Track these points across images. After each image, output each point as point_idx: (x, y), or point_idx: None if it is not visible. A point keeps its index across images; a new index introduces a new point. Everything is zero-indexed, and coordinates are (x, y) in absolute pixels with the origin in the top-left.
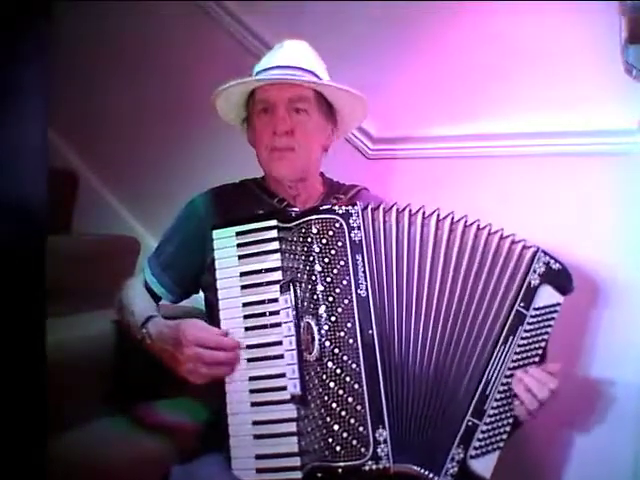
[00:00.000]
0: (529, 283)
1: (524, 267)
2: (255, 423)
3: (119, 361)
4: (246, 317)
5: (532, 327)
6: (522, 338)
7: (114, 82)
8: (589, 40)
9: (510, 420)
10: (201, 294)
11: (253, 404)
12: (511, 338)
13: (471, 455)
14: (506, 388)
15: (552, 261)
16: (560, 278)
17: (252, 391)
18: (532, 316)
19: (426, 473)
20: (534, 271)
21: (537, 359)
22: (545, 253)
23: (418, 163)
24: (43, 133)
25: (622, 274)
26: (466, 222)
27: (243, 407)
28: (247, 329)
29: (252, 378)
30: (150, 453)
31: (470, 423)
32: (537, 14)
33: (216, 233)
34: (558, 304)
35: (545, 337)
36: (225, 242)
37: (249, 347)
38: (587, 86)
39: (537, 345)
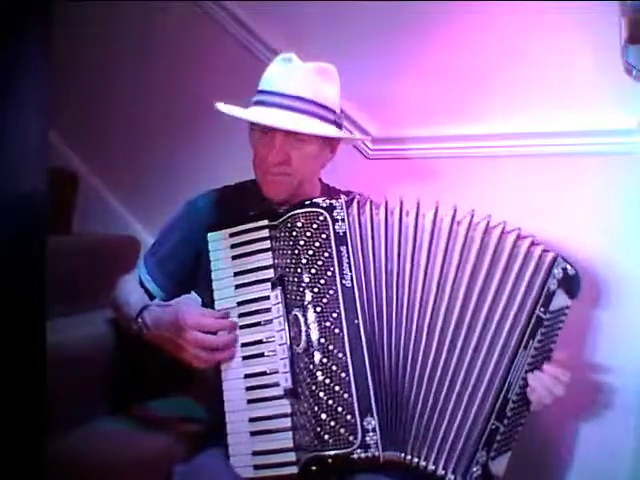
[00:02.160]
0: (549, 288)
1: (544, 272)
2: (251, 420)
3: (119, 361)
4: (240, 315)
5: (546, 330)
6: (538, 341)
7: (114, 82)
8: (589, 40)
9: (523, 420)
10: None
11: (249, 401)
12: (531, 342)
13: (491, 457)
14: (522, 390)
15: (569, 267)
16: (573, 283)
17: (248, 388)
18: (547, 319)
19: (415, 461)
20: (553, 276)
21: (548, 360)
22: (563, 258)
23: (418, 163)
24: (44, 133)
25: (623, 273)
26: (472, 219)
27: (239, 404)
28: (242, 327)
29: (247, 375)
30: (150, 453)
31: (494, 426)
32: (537, 14)
33: (210, 235)
34: (568, 307)
35: (555, 339)
36: (219, 244)
37: (244, 345)
38: (587, 86)
39: (549, 347)
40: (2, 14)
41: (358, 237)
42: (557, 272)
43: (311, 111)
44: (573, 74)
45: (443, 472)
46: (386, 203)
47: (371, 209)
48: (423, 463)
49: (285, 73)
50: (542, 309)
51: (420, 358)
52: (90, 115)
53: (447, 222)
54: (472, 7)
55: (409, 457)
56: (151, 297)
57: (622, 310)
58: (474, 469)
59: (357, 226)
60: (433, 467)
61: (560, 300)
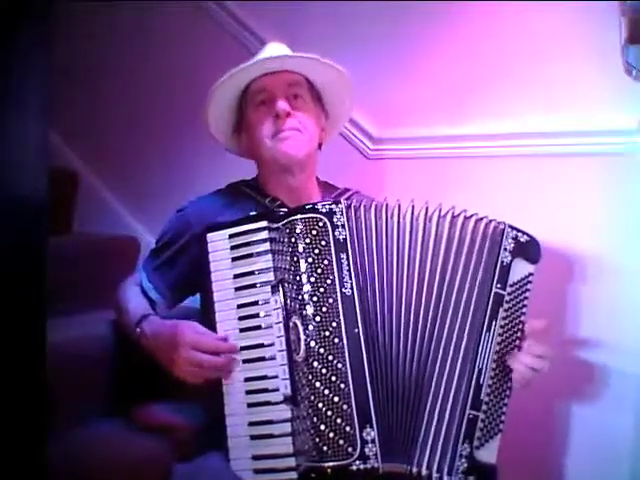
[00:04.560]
0: (502, 262)
1: (495, 247)
2: (251, 424)
3: (119, 361)
4: (241, 318)
5: (510, 304)
6: (503, 318)
7: (114, 82)
8: (589, 40)
9: (506, 401)
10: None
11: (249, 405)
12: (494, 322)
13: (476, 446)
14: (496, 372)
15: (519, 234)
16: (530, 249)
17: (248, 392)
18: (509, 293)
19: (413, 469)
20: (504, 249)
21: (520, 334)
22: (512, 227)
23: (418, 163)
24: (44, 133)
25: (627, 273)
26: (440, 211)
27: (240, 408)
28: (242, 330)
29: (247, 379)
30: (150, 453)
31: (471, 416)
32: (538, 14)
33: (210, 236)
34: (531, 274)
35: (524, 310)
36: (219, 245)
37: (244, 348)
38: (587, 86)
39: (518, 320)
40: (2, 14)
41: (357, 243)
42: (508, 243)
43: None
44: (573, 74)
45: (427, 471)
46: (386, 205)
47: (370, 213)
48: (415, 469)
49: (262, 52)
50: (499, 285)
51: (412, 364)
52: (90, 115)
53: (421, 221)
54: (472, 7)
55: (408, 467)
56: (153, 304)
57: (624, 300)
58: (458, 463)
59: (357, 232)
60: (427, 472)
61: (520, 270)
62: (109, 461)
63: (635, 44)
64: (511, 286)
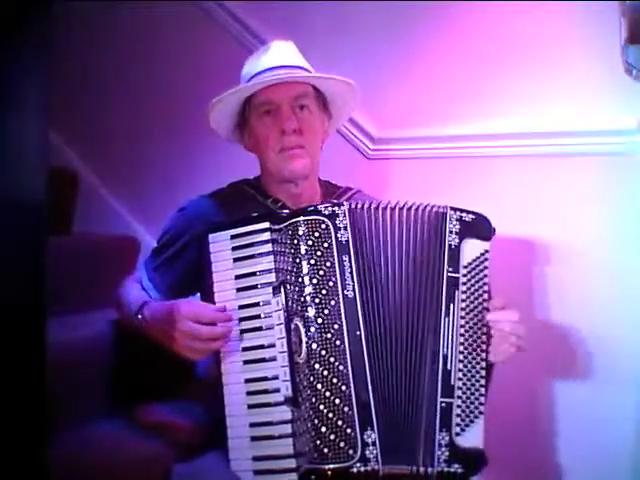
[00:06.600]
0: (449, 245)
1: (440, 231)
2: (252, 425)
3: (119, 361)
4: (242, 319)
5: (468, 285)
6: (462, 300)
7: (114, 82)
8: (589, 40)
9: (482, 382)
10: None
11: (250, 406)
12: (452, 306)
13: (456, 433)
14: (465, 355)
15: (464, 214)
16: (478, 227)
17: (248, 393)
18: (464, 275)
19: (416, 469)
20: (450, 232)
21: (484, 312)
22: (455, 209)
23: (418, 163)
24: (44, 133)
25: (628, 276)
26: (417, 207)
27: (240, 409)
28: (243, 332)
29: (248, 380)
30: (150, 453)
31: (444, 404)
32: (538, 14)
33: (212, 237)
34: (486, 251)
35: (485, 288)
36: (221, 245)
37: (245, 349)
38: (587, 86)
39: (480, 299)
40: (1, 14)
41: (359, 245)
42: (452, 225)
43: (305, 69)
44: (573, 74)
45: (414, 468)
46: (383, 208)
47: (370, 215)
48: (414, 468)
49: (268, 53)
50: (450, 269)
51: (412, 367)
52: (90, 115)
53: (405, 218)
54: (472, 7)
55: (407, 467)
56: None
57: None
58: (439, 452)
59: (358, 234)
60: (415, 467)
61: (472, 249)
62: (109, 461)
63: (635, 44)
64: (465, 267)
